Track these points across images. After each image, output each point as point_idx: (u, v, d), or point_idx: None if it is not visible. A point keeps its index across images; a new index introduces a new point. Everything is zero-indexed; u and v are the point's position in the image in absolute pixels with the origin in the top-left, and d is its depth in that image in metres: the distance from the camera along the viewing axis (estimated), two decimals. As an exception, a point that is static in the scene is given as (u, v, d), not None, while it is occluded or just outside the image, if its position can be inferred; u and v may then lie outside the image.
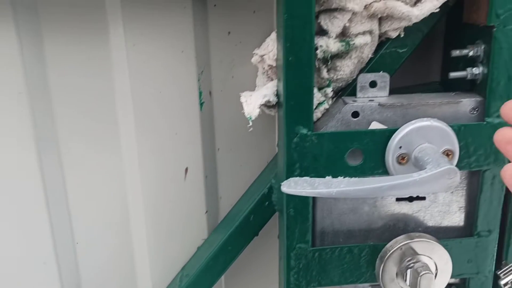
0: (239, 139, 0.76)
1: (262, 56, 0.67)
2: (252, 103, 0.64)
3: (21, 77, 0.67)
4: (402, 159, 0.58)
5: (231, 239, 0.71)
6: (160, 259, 0.79)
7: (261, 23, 0.71)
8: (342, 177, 0.53)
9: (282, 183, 0.54)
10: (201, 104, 0.73)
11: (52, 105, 0.70)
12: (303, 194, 0.51)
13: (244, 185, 0.78)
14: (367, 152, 0.59)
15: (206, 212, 0.78)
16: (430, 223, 0.65)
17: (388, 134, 0.58)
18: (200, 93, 0.72)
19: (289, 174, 0.58)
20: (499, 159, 0.60)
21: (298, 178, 0.54)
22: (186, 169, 0.75)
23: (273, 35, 0.65)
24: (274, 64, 0.64)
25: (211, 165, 0.76)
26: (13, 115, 0.69)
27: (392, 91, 0.62)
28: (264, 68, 0.69)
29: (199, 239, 0.79)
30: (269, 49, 0.64)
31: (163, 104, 0.72)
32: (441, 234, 0.65)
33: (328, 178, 0.53)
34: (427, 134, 0.57)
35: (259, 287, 0.83)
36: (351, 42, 0.60)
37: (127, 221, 0.77)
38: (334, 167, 0.59)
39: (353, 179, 0.52)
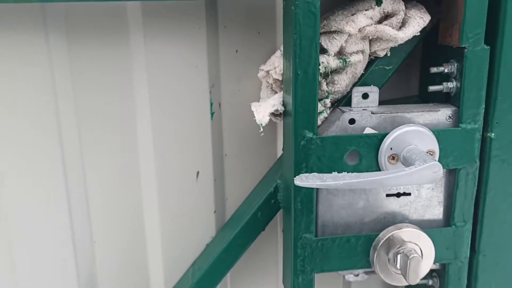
0: (244, 146, 0.85)
1: (267, 71, 0.77)
2: (262, 111, 0.73)
3: (51, 88, 0.75)
4: (393, 158, 0.68)
5: (241, 234, 0.79)
6: (171, 255, 0.86)
7: (265, 43, 0.80)
8: (345, 172, 0.63)
9: (295, 178, 0.63)
10: (212, 114, 0.82)
11: (77, 114, 0.78)
12: (314, 186, 0.61)
13: (248, 187, 0.86)
14: (363, 153, 0.69)
15: (215, 212, 0.86)
16: (415, 216, 0.75)
17: (380, 137, 0.68)
18: (211, 104, 0.81)
19: (297, 172, 0.67)
20: (472, 159, 0.71)
21: (307, 174, 0.64)
22: (198, 173, 0.84)
23: (278, 53, 0.75)
24: (280, 78, 0.74)
25: (219, 169, 0.85)
26: (43, 126, 0.77)
27: (379, 103, 0.73)
28: (268, 82, 0.78)
29: (208, 236, 0.87)
30: (275, 65, 0.74)
31: (178, 114, 0.80)
32: (424, 225, 0.75)
33: (334, 173, 0.63)
34: (413, 137, 0.68)
35: (259, 277, 0.91)
36: (348, 60, 0.70)
37: (142, 220, 0.84)
38: (335, 166, 0.68)
39: (355, 173, 0.62)
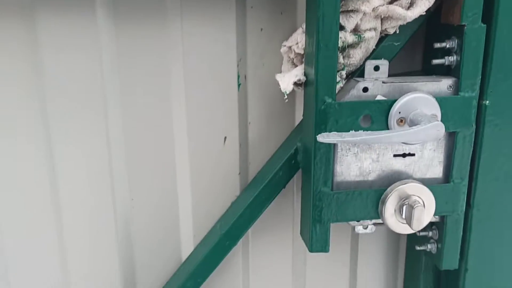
0: (266, 115, 0.95)
1: (289, 47, 0.87)
2: (286, 81, 0.83)
3: (98, 65, 0.85)
4: (401, 121, 0.79)
5: (265, 190, 0.89)
6: (200, 212, 0.97)
7: (287, 22, 0.90)
8: (361, 131, 0.73)
9: (318, 135, 0.73)
10: (239, 85, 0.92)
11: (121, 84, 0.88)
12: (334, 141, 0.71)
13: (269, 153, 0.96)
14: (375, 117, 0.79)
15: (239, 173, 0.96)
16: (418, 174, 0.86)
17: (390, 103, 0.78)
18: (238, 77, 0.91)
19: (318, 132, 0.78)
20: (469, 123, 0.82)
21: (328, 132, 0.74)
22: (225, 138, 0.94)
23: (299, 30, 0.85)
24: (302, 52, 0.84)
25: (244, 136, 0.95)
26: (90, 93, 0.87)
27: (388, 76, 0.83)
28: (290, 57, 0.88)
29: (233, 195, 0.97)
30: (298, 40, 0.84)
31: (209, 85, 0.90)
32: (426, 182, 0.85)
33: (351, 131, 0.73)
34: (419, 103, 0.78)
35: (276, 232, 1.02)
36: (362, 36, 0.80)
37: (175, 180, 0.95)
38: (350, 128, 0.79)
39: (369, 131, 0.72)
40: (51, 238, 0.94)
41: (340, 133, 0.73)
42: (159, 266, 0.99)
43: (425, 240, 0.93)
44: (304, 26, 0.83)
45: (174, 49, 0.87)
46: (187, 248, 0.98)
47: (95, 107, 0.88)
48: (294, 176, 0.92)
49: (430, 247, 0.92)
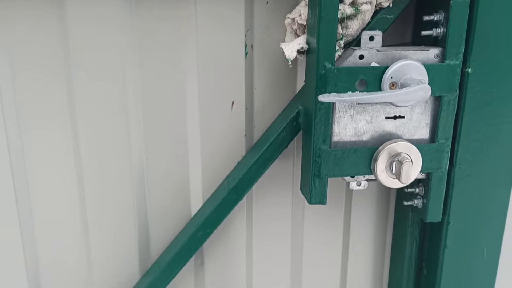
0: (270, 81, 1.04)
1: (293, 18, 0.95)
2: (290, 49, 0.92)
3: (121, 39, 0.93)
4: (393, 85, 0.88)
5: (269, 149, 0.99)
6: (209, 170, 1.06)
7: (290, -4, 0.99)
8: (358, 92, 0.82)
9: (319, 96, 0.82)
10: (246, 54, 1.00)
11: (140, 55, 0.96)
12: (334, 101, 0.81)
13: (272, 116, 1.05)
14: (370, 82, 0.88)
15: (245, 135, 1.05)
16: (407, 135, 0.96)
17: (383, 69, 0.88)
18: (246, 46, 1.00)
19: (319, 94, 0.87)
20: (453, 89, 0.92)
21: (328, 93, 0.83)
22: (233, 102, 1.03)
23: (302, 3, 0.94)
24: (305, 23, 0.93)
25: (250, 100, 1.04)
26: (115, 62, 0.95)
27: (382, 45, 0.92)
28: (293, 28, 0.97)
29: (239, 156, 1.06)
30: (301, 13, 0.93)
31: (219, 54, 0.99)
32: (414, 143, 0.95)
33: (349, 92, 0.83)
34: (409, 69, 0.87)
35: (277, 188, 1.12)
36: (359, 8, 0.89)
37: (186, 140, 1.04)
38: (348, 91, 0.88)
39: (365, 92, 0.82)
40: (73, 197, 1.03)
41: (339, 94, 0.83)
42: (171, 220, 1.09)
43: (412, 196, 1.04)
44: (306, -1, 0.91)
45: (188, 21, 0.96)
46: (196, 203, 1.08)
47: (115, 76, 0.96)
48: (294, 138, 1.01)
49: (417, 202, 1.03)
